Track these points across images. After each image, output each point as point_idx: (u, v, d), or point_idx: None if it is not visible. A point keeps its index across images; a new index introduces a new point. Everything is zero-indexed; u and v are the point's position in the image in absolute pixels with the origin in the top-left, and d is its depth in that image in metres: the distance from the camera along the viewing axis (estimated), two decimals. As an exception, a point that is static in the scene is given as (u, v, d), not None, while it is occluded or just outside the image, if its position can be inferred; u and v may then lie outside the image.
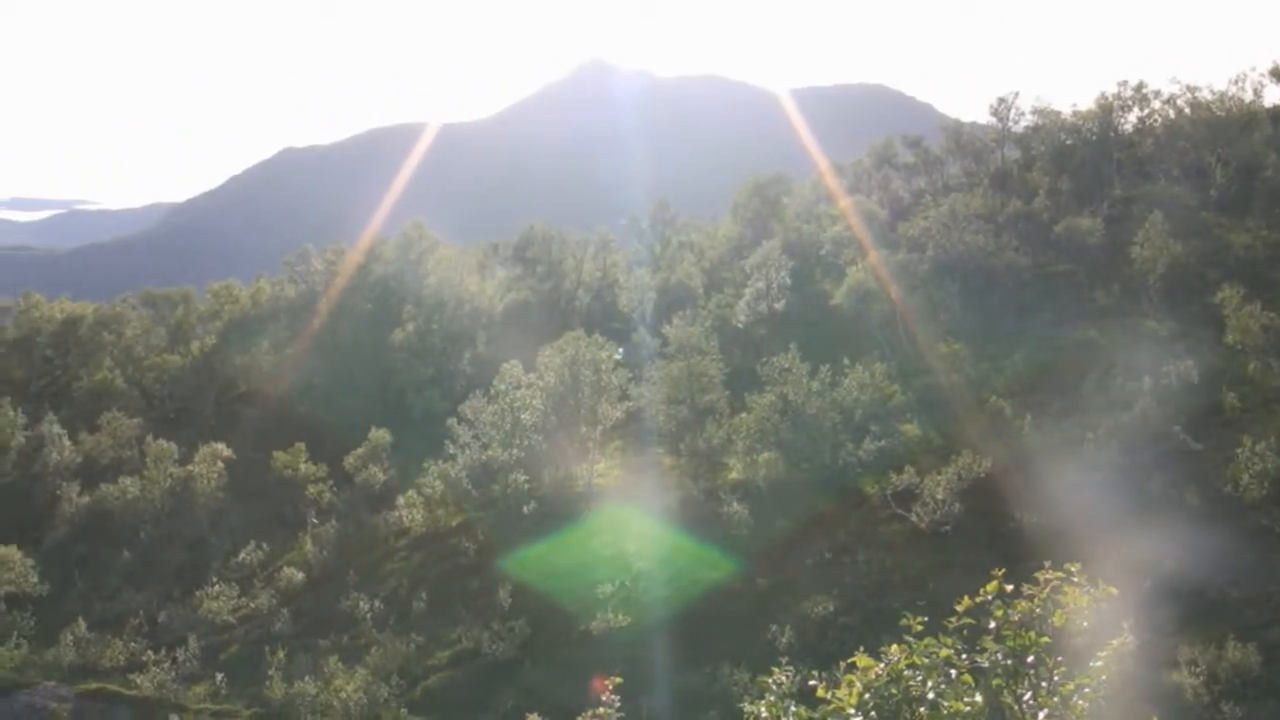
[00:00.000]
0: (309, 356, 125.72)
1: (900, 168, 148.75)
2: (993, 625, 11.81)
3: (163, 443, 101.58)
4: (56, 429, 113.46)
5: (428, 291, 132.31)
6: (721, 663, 58.76)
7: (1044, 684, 11.52)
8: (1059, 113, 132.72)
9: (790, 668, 14.02)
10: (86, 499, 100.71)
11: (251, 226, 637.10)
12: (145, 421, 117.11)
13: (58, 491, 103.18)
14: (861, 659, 11.85)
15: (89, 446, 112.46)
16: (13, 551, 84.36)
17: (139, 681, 65.86)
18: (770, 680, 13.26)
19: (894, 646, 11.76)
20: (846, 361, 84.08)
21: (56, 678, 69.09)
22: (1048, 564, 12.23)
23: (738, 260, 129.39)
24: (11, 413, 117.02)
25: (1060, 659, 11.66)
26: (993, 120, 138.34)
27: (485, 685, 63.62)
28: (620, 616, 65.60)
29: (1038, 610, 11.89)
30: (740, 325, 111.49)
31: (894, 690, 11.54)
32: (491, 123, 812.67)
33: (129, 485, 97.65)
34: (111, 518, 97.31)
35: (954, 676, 11.51)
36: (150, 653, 69.38)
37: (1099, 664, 11.71)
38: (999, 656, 11.65)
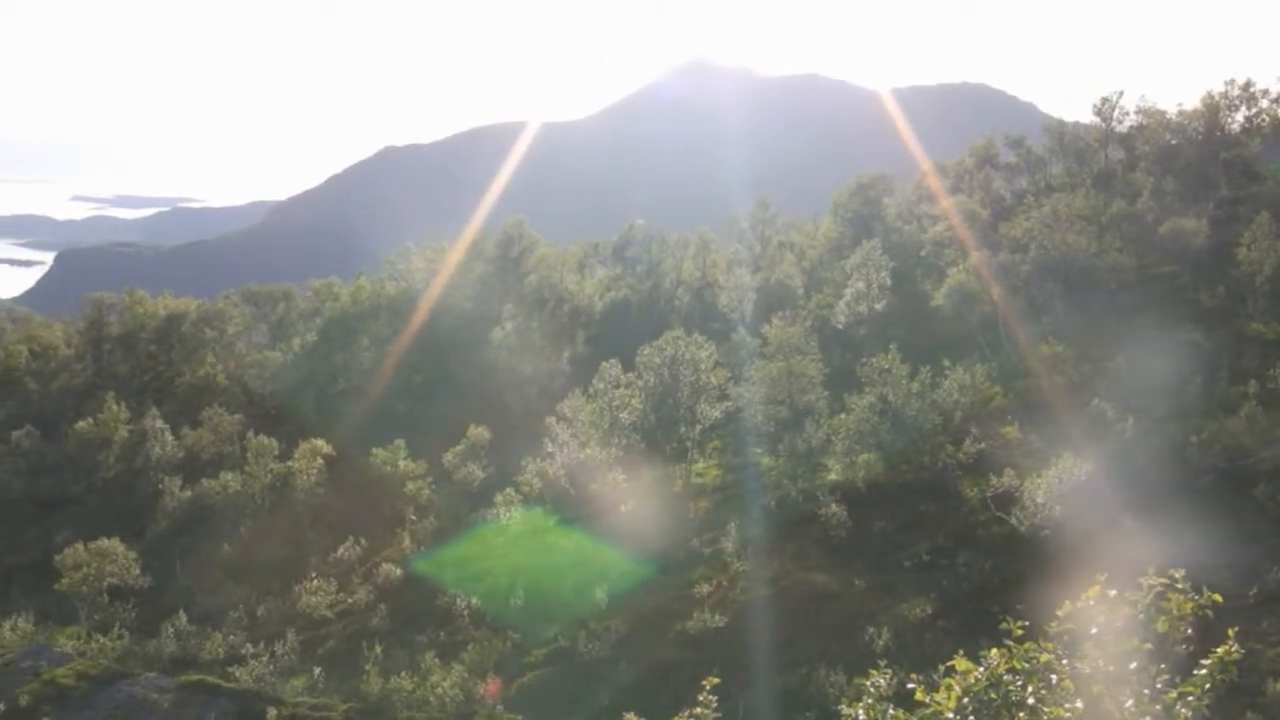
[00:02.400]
0: (409, 354, 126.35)
1: (1002, 168, 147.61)
2: (1094, 630, 11.68)
3: (263, 438, 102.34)
4: (159, 424, 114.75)
5: (528, 290, 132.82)
6: (818, 664, 58.49)
7: (1146, 691, 11.37)
8: (1164, 112, 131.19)
9: (888, 670, 13.92)
10: (188, 493, 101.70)
11: (352, 225, 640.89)
12: (246, 417, 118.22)
13: (160, 486, 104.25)
14: (961, 662, 11.74)
15: (191, 442, 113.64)
16: (116, 544, 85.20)
17: (238, 674, 66.34)
18: (868, 683, 13.18)
19: (994, 650, 11.65)
20: (947, 363, 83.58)
21: (157, 669, 69.61)
22: (1151, 569, 12.08)
23: (838, 260, 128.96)
24: (116, 407, 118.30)
25: (1163, 666, 11.52)
26: (1096, 120, 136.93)
27: (580, 684, 63.63)
28: (717, 616, 65.48)
29: (1140, 616, 11.74)
30: (840, 326, 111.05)
31: (993, 695, 11.43)
32: (592, 122, 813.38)
33: (230, 480, 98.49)
34: (212, 512, 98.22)
35: (1054, 682, 11.39)
36: (249, 646, 69.81)
37: (1203, 672, 11.54)
38: (1100, 663, 11.51)
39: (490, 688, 63.86)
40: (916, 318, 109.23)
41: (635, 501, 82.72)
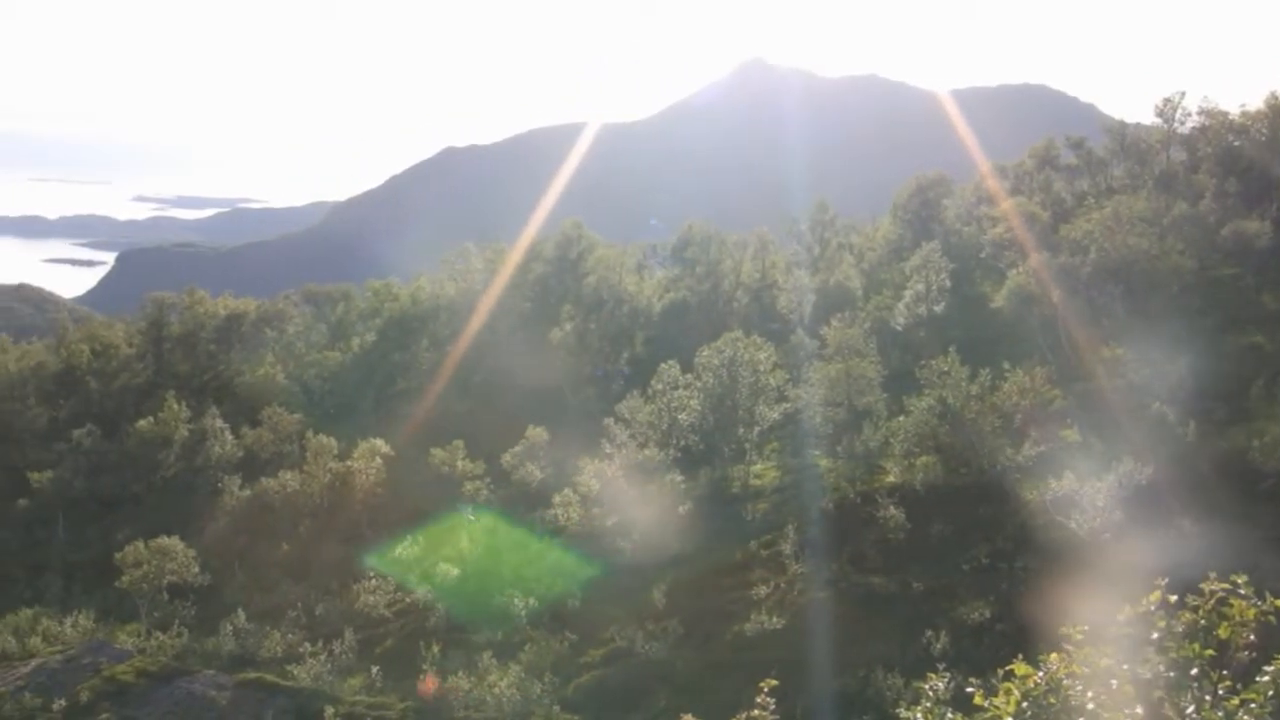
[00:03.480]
0: (468, 354, 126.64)
1: (1062, 169, 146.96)
2: (1155, 636, 11.60)
3: (322, 438, 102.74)
4: (219, 423, 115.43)
5: (586, 291, 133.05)
6: (876, 667, 58.33)
7: (1208, 698, 11.29)
8: (1227, 113, 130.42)
9: (946, 674, 13.86)
10: (247, 492, 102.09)
11: (411, 225, 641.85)
12: (305, 417, 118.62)
13: (219, 484, 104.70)
14: (1020, 667, 11.69)
15: (250, 441, 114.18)
16: (175, 542, 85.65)
17: (296, 672, 66.58)
18: (927, 686, 13.13)
19: (1053, 655, 11.60)
20: (1006, 365, 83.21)
21: (216, 666, 70.01)
22: (1212, 574, 12.00)
23: (897, 262, 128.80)
24: (176, 407, 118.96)
25: (1225, 673, 11.43)
26: (1158, 121, 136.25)
27: (638, 684, 63.64)
28: (775, 618, 65.40)
29: (1202, 622, 11.67)
30: (899, 327, 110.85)
31: (1053, 699, 11.38)
32: (651, 122, 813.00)
33: (289, 479, 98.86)
34: (271, 511, 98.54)
35: (1115, 687, 11.32)
36: (307, 644, 70.06)
37: (1266, 679, 11.45)
38: (1161, 668, 11.44)
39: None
40: (976, 320, 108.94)
41: (693, 503, 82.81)
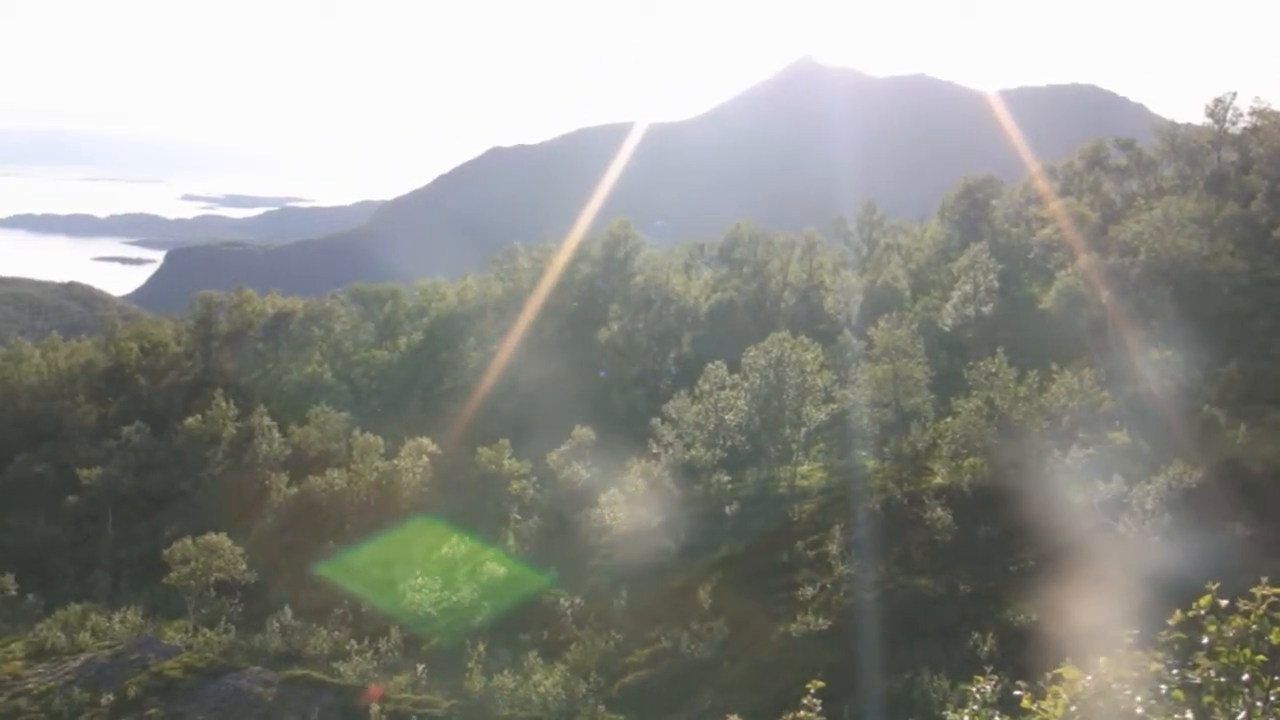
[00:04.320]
0: (514, 354, 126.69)
1: (1112, 170, 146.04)
2: (1205, 640, 11.50)
3: (369, 436, 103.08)
4: (267, 421, 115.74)
5: (633, 291, 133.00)
6: (922, 669, 58.18)
7: (1259, 704, 11.19)
8: (1279, 113, 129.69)
9: (994, 676, 13.79)
10: (294, 490, 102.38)
11: (459, 225, 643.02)
12: (352, 415, 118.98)
13: (267, 482, 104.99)
14: (1068, 670, 11.60)
15: (297, 439, 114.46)
16: (222, 539, 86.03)
17: (342, 670, 66.88)
18: (974, 689, 13.07)
19: (1102, 659, 11.51)
20: (1054, 367, 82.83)
21: (262, 663, 70.37)
22: (1264, 579, 11.89)
23: (945, 263, 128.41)
24: (224, 404, 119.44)
25: (1277, 679, 11.32)
26: (1209, 121, 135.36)
27: (683, 684, 63.64)
28: (821, 619, 65.29)
29: (1253, 627, 11.56)
30: (946, 328, 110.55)
31: (1101, 704, 11.29)
32: (699, 122, 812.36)
33: (336, 478, 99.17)
34: (318, 509, 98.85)
35: (1164, 692, 11.23)
36: (353, 642, 70.33)
37: (1318, 684, 11.34)
38: (1212, 673, 11.34)
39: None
40: (1024, 321, 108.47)
41: (739, 503, 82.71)
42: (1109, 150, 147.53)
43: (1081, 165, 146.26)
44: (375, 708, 60.56)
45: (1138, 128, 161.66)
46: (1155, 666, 11.32)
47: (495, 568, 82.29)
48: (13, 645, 79.82)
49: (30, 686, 70.75)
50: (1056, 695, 11.46)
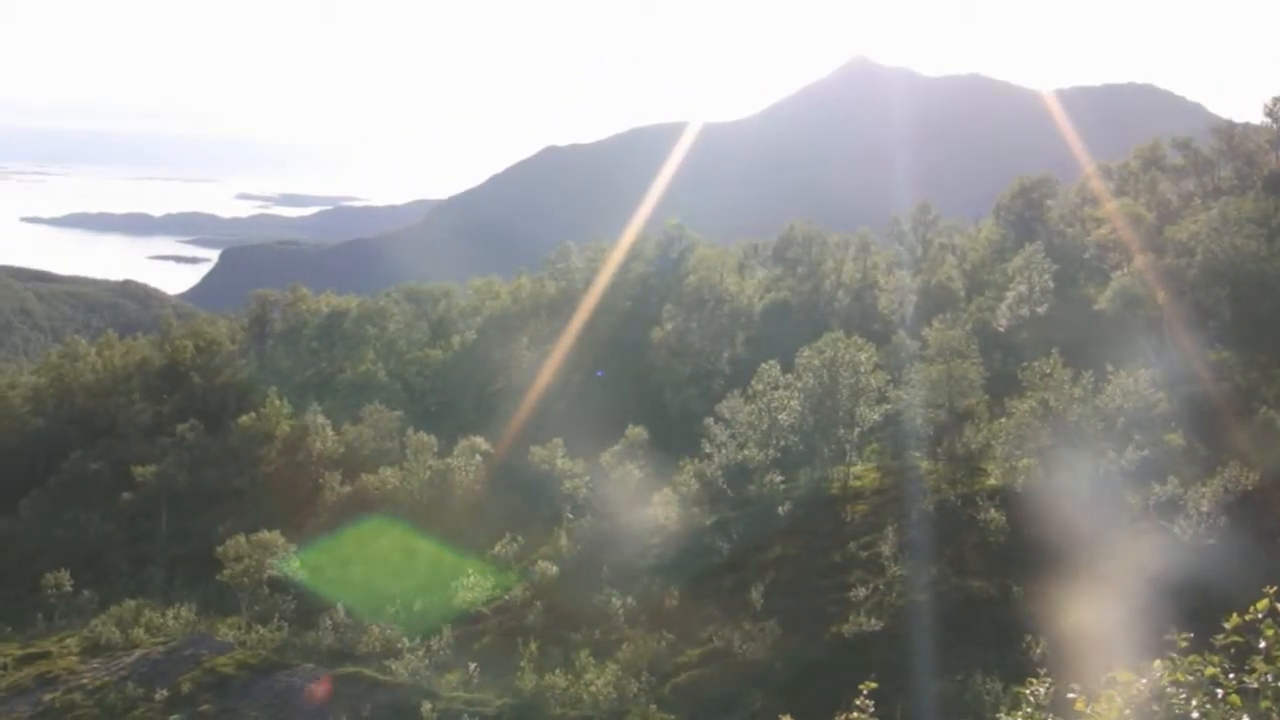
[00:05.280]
0: (568, 353, 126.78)
1: (1168, 170, 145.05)
2: (1263, 644, 11.37)
3: (423, 435, 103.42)
4: (321, 419, 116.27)
5: (687, 290, 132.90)
6: (975, 671, 57.93)
7: (1318, 709, 11.05)
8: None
9: (1047, 679, 13.67)
10: (348, 488, 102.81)
11: (513, 224, 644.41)
12: (406, 414, 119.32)
13: (320, 480, 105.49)
14: (1122, 673, 11.48)
15: (351, 437, 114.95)
16: (276, 537, 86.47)
17: (394, 668, 67.03)
18: (1027, 691, 12.97)
19: (1157, 662, 11.39)
20: (1110, 368, 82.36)
21: (315, 660, 70.60)
22: (1322, 582, 11.75)
23: (1000, 263, 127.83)
24: (278, 403, 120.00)
25: (1336, 684, 11.19)
26: (1267, 120, 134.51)
27: (734, 685, 63.52)
28: (873, 620, 65.08)
29: (1312, 630, 11.43)
30: (1001, 329, 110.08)
31: (1156, 708, 11.17)
32: (754, 121, 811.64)
33: (389, 476, 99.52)
34: (371, 507, 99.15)
35: (1220, 696, 11.11)
36: (405, 640, 70.48)
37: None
38: (1269, 678, 11.20)
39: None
40: (1079, 322, 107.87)
41: (792, 504, 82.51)
42: (1165, 150, 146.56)
43: (1138, 165, 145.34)
44: (427, 705, 60.66)
45: (1195, 127, 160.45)
46: (1211, 671, 11.19)
47: (548, 566, 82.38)
48: (68, 640, 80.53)
49: (85, 681, 71.24)
50: (1110, 699, 11.34)
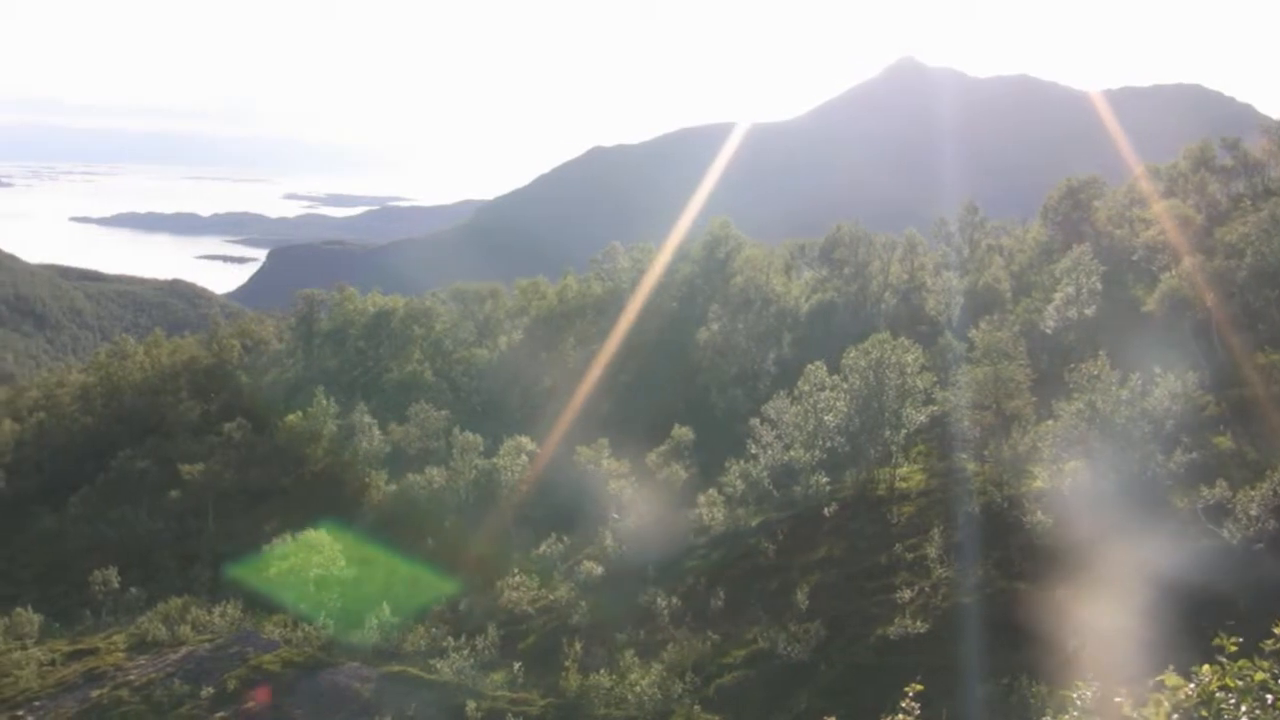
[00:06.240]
0: (614, 353, 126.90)
1: (1218, 170, 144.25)
2: (1314, 649, 11.31)
3: (469, 434, 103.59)
4: (367, 418, 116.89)
5: (734, 290, 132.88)
6: (1021, 674, 57.71)
7: (1369, 714, 10.98)
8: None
9: (1094, 682, 13.59)
10: (394, 487, 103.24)
11: (559, 224, 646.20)
12: (452, 413, 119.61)
13: (366, 479, 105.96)
14: (1170, 678, 11.43)
15: (397, 436, 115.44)
16: (322, 535, 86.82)
17: (439, 666, 67.15)
18: (1074, 695, 12.92)
19: (1205, 667, 11.34)
20: (1158, 370, 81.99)
21: (360, 659, 70.85)
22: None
23: (1047, 264, 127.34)
24: (325, 402, 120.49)
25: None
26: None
27: (779, 686, 63.42)
28: (918, 622, 64.93)
29: (1364, 635, 11.37)
30: (1048, 330, 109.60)
31: (1205, 712, 11.12)
32: (801, 122, 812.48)
33: (435, 475, 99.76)
34: (417, 506, 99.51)
35: (1270, 702, 11.04)
36: (451, 639, 70.65)
37: None
38: (1322, 684, 11.15)
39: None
40: (1127, 323, 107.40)
41: (838, 505, 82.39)
42: (1215, 151, 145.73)
43: (1186, 166, 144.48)
44: (472, 704, 60.81)
45: (1245, 128, 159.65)
46: (1260, 676, 11.14)
47: (593, 566, 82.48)
48: (115, 637, 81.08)
49: (132, 678, 71.67)
50: (1158, 703, 11.30)
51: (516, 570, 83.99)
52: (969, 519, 75.88)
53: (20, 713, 70.11)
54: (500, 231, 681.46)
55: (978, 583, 68.89)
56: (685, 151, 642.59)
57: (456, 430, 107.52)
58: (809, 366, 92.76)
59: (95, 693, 70.73)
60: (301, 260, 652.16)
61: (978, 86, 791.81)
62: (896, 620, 65.36)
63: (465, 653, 68.36)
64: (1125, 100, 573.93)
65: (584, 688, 63.50)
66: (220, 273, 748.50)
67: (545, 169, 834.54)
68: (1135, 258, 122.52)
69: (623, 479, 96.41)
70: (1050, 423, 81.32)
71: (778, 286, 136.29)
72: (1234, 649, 11.49)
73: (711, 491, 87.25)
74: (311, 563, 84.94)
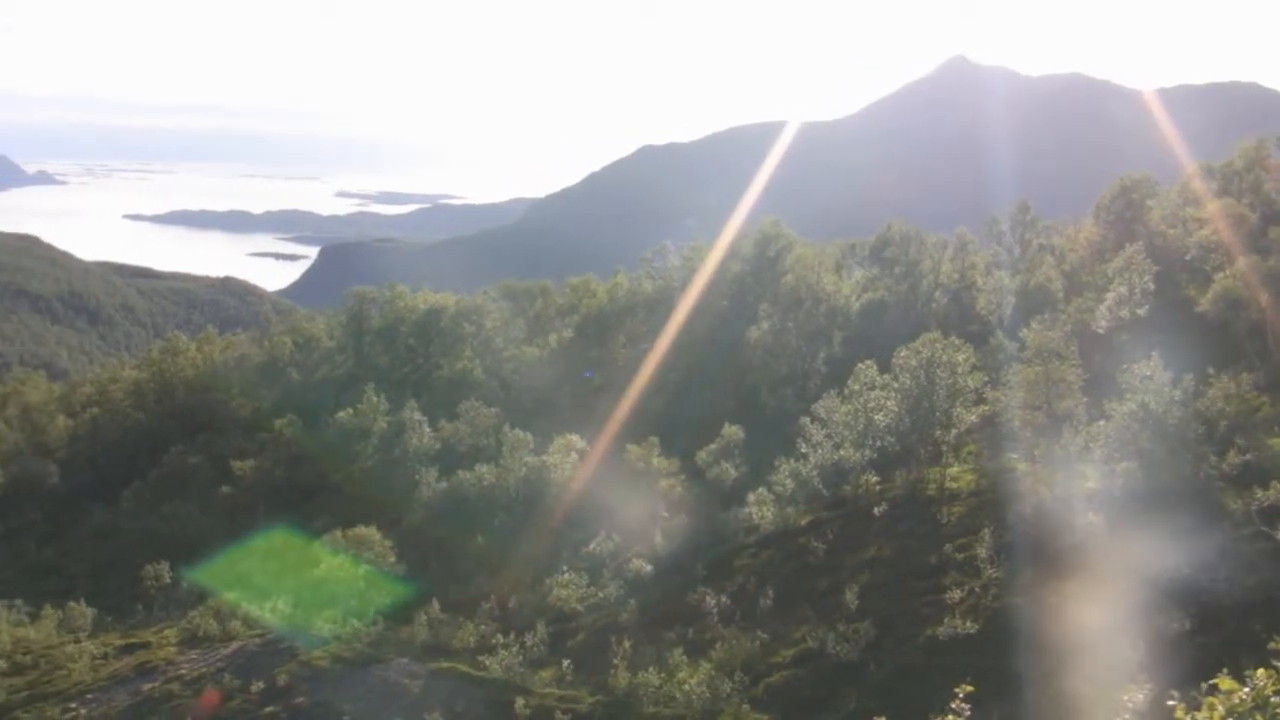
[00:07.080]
0: (665, 352, 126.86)
1: (1273, 169, 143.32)
2: (1370, 655, 11.17)
3: (519, 432, 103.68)
4: (417, 416, 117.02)
5: (784, 289, 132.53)
6: (1070, 676, 57.40)
7: None
8: None
9: (1147, 685, 13.48)
10: (444, 485, 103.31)
11: (609, 222, 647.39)
12: (502, 411, 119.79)
13: (416, 476, 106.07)
14: (1224, 681, 11.30)
15: (447, 434, 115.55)
16: (372, 532, 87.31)
17: (488, 663, 67.27)
18: (1125, 697, 12.83)
19: (1260, 671, 11.20)
20: (1211, 371, 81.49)
21: (409, 655, 71.02)
22: None
23: (1099, 264, 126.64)
24: (375, 399, 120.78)
25: None
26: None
27: (828, 685, 63.27)
28: (968, 623, 64.68)
29: None
30: (1100, 330, 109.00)
31: (1259, 717, 10.99)
32: (852, 121, 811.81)
33: (485, 473, 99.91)
34: (467, 504, 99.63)
35: (1326, 708, 10.92)
36: (500, 636, 70.78)
37: None
38: (1376, 688, 11.01)
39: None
40: (1180, 324, 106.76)
41: (888, 504, 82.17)
42: (1270, 149, 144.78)
43: (1241, 165, 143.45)
44: (520, 701, 60.90)
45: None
46: (1317, 680, 11.01)
47: (642, 564, 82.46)
48: (167, 632, 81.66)
49: (183, 672, 72.19)
50: (1211, 707, 11.18)
51: (565, 568, 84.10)
52: (1019, 519, 75.55)
53: (73, 705, 70.73)
54: (551, 230, 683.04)
55: (1027, 583, 68.60)
56: (736, 150, 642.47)
57: (506, 428, 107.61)
58: (859, 365, 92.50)
59: (147, 686, 71.28)
60: (352, 258, 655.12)
61: (1030, 85, 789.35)
62: (946, 621, 65.14)
63: (514, 650, 68.46)
64: (1179, 98, 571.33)
65: (632, 686, 63.51)
66: (272, 270, 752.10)
67: (596, 167, 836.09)
68: (1188, 257, 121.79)
69: (672, 477, 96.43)
70: (1102, 423, 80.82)
71: (828, 285, 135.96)
72: (1289, 652, 11.36)
73: (761, 490, 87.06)
74: (361, 559, 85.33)
